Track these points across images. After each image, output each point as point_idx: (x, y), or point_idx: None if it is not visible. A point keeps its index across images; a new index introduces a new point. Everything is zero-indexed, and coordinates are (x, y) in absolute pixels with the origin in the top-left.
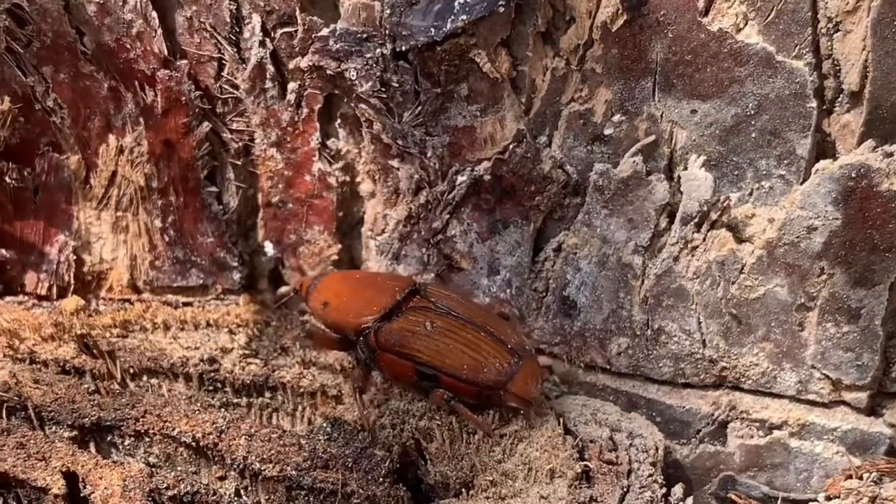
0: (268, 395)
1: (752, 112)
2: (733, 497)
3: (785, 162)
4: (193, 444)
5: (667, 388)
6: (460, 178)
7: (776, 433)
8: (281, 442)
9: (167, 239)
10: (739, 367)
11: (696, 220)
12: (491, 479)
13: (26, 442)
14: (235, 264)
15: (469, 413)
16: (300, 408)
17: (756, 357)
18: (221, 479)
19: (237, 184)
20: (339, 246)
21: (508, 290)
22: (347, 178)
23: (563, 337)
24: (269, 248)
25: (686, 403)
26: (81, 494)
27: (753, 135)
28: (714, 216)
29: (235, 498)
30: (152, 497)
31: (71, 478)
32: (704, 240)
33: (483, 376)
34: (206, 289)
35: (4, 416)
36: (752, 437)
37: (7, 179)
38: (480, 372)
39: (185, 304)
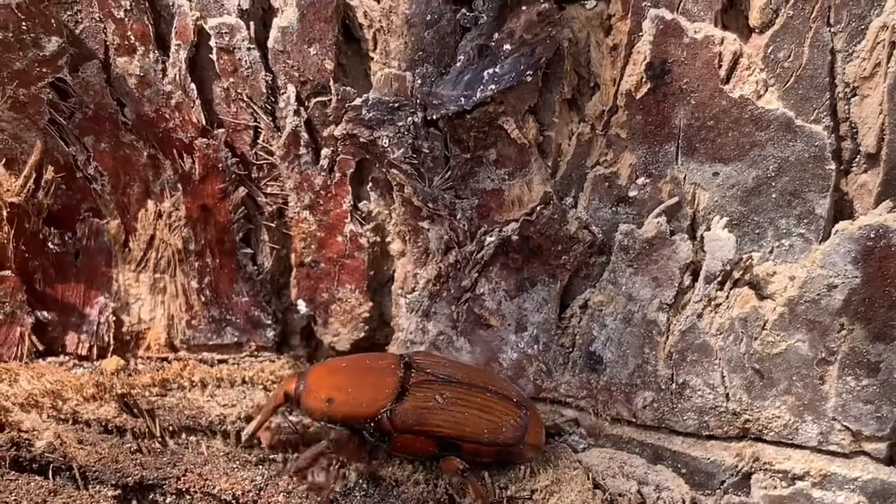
0: (302, 450)
1: (773, 174)
2: None
3: (804, 221)
4: (233, 501)
5: (691, 440)
6: (489, 239)
7: (799, 484)
8: (318, 499)
9: (203, 299)
10: (762, 420)
11: (720, 278)
12: None
13: (72, 502)
14: (269, 322)
15: (478, 486)
16: (334, 463)
17: (778, 410)
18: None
19: (271, 245)
20: (370, 304)
21: (536, 346)
22: (378, 239)
23: (589, 391)
24: (301, 306)
25: (710, 455)
26: None
27: (774, 195)
28: (737, 274)
29: None
30: None
31: None
32: (727, 297)
33: (504, 436)
34: (240, 346)
35: (51, 476)
36: (775, 487)
37: (49, 245)
38: (500, 433)
39: (221, 362)
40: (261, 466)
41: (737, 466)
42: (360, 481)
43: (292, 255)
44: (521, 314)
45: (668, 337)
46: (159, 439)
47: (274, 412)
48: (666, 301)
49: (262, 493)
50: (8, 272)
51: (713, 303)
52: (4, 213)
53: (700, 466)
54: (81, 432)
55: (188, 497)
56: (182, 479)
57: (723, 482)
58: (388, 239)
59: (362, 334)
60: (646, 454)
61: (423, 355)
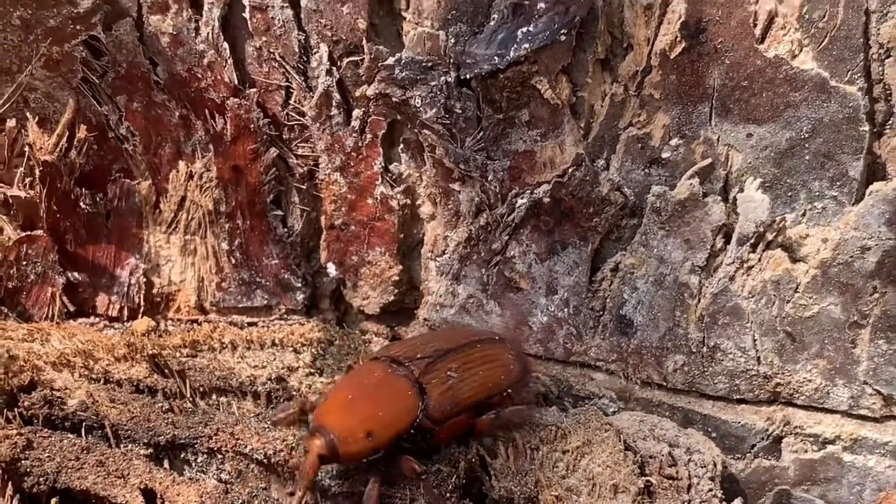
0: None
1: (807, 135)
2: None
3: (838, 183)
4: (265, 461)
5: (722, 403)
6: (520, 201)
7: (829, 448)
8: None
9: (233, 261)
10: (793, 384)
11: (752, 240)
12: (556, 494)
13: (105, 460)
14: (299, 285)
15: (513, 410)
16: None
17: (809, 373)
18: (291, 494)
19: (301, 207)
20: (400, 267)
21: (566, 309)
22: (409, 201)
23: (619, 354)
24: (331, 269)
25: (741, 419)
26: None
27: (807, 157)
28: (769, 237)
29: None
30: None
31: (149, 494)
32: (760, 260)
33: (516, 372)
34: (270, 309)
35: (83, 434)
36: (805, 451)
37: (81, 205)
38: (511, 371)
39: (250, 325)
40: (292, 427)
41: (767, 430)
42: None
43: (322, 218)
44: (552, 277)
45: (699, 300)
46: (190, 400)
47: (312, 484)
48: (698, 263)
49: (293, 452)
50: (40, 232)
51: (745, 265)
52: (37, 172)
53: (730, 430)
54: (113, 392)
55: (220, 456)
56: (214, 438)
57: (753, 446)
58: (419, 202)
59: (391, 298)
60: (676, 418)
61: (396, 347)
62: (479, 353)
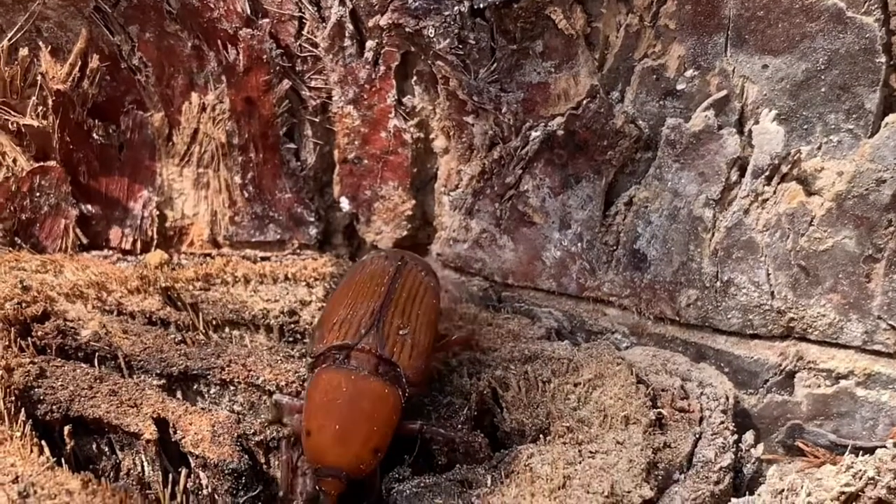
0: None
1: (823, 67)
2: (800, 445)
3: (853, 116)
4: (277, 391)
5: (735, 338)
6: (534, 134)
7: (843, 383)
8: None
9: (246, 195)
10: (807, 318)
11: (767, 173)
12: (567, 425)
13: (118, 389)
14: (312, 220)
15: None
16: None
17: (823, 308)
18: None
19: (314, 141)
20: (413, 202)
21: (579, 244)
22: (422, 135)
23: (632, 289)
24: (344, 203)
25: (754, 354)
26: (172, 440)
27: (823, 89)
28: (785, 169)
29: None
30: (240, 442)
31: (161, 424)
32: (775, 193)
33: (436, 286)
34: (283, 244)
35: (97, 364)
36: (819, 386)
37: (94, 136)
38: (434, 288)
39: (263, 259)
40: (304, 360)
41: (780, 365)
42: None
43: (335, 152)
44: (566, 211)
45: (713, 233)
46: (203, 332)
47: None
48: (712, 197)
49: (305, 383)
50: (53, 163)
51: (760, 198)
52: (50, 102)
53: (743, 365)
54: (126, 323)
55: (232, 388)
56: (226, 369)
57: (766, 381)
58: (432, 135)
59: (405, 233)
60: (689, 353)
61: (332, 330)
62: (404, 291)
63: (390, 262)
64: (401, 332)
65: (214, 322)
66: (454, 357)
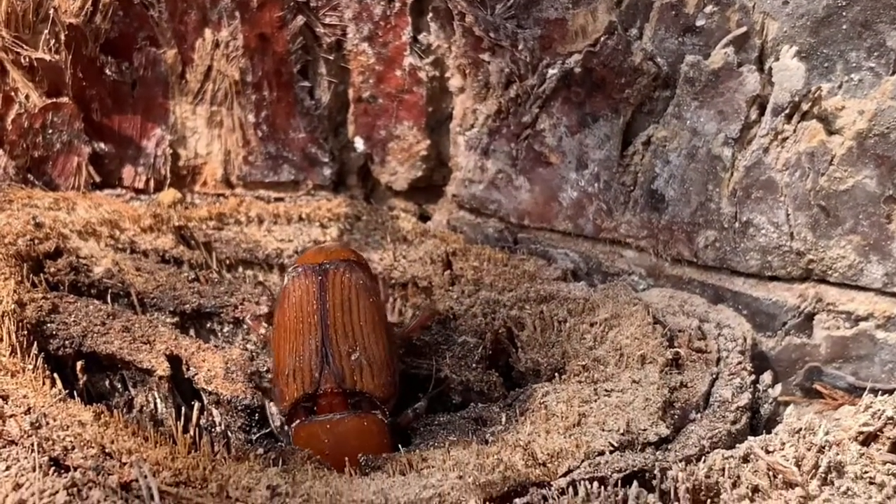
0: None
1: (844, 3)
2: (819, 388)
3: (875, 54)
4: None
5: (753, 280)
6: (551, 72)
7: (862, 325)
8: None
9: (260, 134)
10: (826, 260)
11: (787, 110)
12: (583, 364)
13: (131, 326)
14: (326, 160)
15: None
16: (391, 298)
17: (843, 249)
18: None
19: (329, 79)
20: (428, 142)
21: (596, 184)
22: (437, 74)
23: (650, 230)
24: (359, 143)
25: (773, 296)
26: (185, 376)
27: (844, 27)
28: (805, 107)
29: None
30: (252, 379)
31: (174, 361)
32: (795, 131)
33: (369, 281)
34: (297, 185)
35: (109, 301)
36: (838, 328)
37: (107, 72)
38: (368, 287)
39: (277, 200)
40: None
41: (799, 307)
42: (417, 314)
43: (350, 91)
44: (583, 151)
45: (732, 173)
46: (216, 271)
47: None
48: (731, 135)
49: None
50: (65, 99)
51: (780, 137)
52: (62, 36)
53: (761, 307)
54: (139, 261)
55: (245, 326)
56: (240, 307)
57: (784, 323)
58: (448, 74)
59: (420, 173)
60: (706, 295)
61: (292, 389)
62: (337, 308)
63: (310, 279)
64: (352, 358)
65: (228, 261)
66: (468, 297)
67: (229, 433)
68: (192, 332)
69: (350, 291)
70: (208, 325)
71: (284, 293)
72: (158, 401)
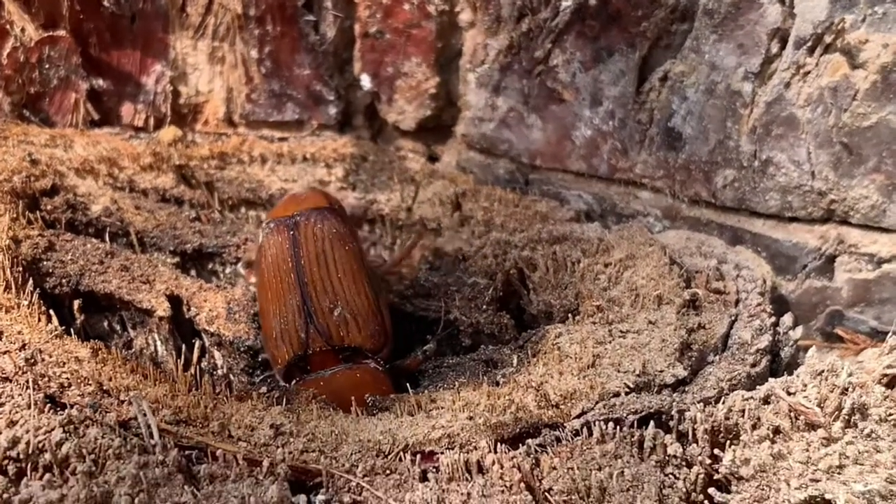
0: (366, 228)
1: None
2: (840, 332)
3: None
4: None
5: (773, 222)
6: (564, 4)
7: (885, 267)
8: (382, 270)
9: (263, 71)
10: (849, 200)
11: (810, 43)
12: (597, 304)
13: (130, 265)
14: (332, 98)
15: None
16: (399, 241)
17: (866, 189)
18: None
19: (334, 13)
20: (437, 79)
21: (611, 122)
22: (447, 7)
23: (666, 170)
24: (365, 81)
25: (793, 238)
26: (186, 316)
27: None
28: (828, 39)
29: None
30: (255, 320)
31: (175, 301)
32: (817, 65)
33: (345, 228)
34: (301, 124)
35: (107, 240)
36: (860, 271)
37: (105, 4)
38: (345, 235)
39: (281, 140)
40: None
41: (820, 249)
42: (426, 255)
43: (356, 25)
44: (597, 87)
45: (752, 109)
46: (218, 210)
47: None
48: (752, 70)
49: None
50: (62, 32)
51: (802, 70)
52: None
53: (781, 249)
54: (138, 200)
55: (240, 274)
56: (242, 247)
57: (805, 266)
58: (458, 8)
59: (428, 112)
60: (725, 237)
61: (282, 352)
62: (312, 263)
63: (282, 234)
64: (335, 314)
65: (230, 202)
66: (478, 238)
67: (231, 376)
68: (192, 272)
69: (323, 243)
70: (210, 266)
71: (261, 252)
72: (158, 342)
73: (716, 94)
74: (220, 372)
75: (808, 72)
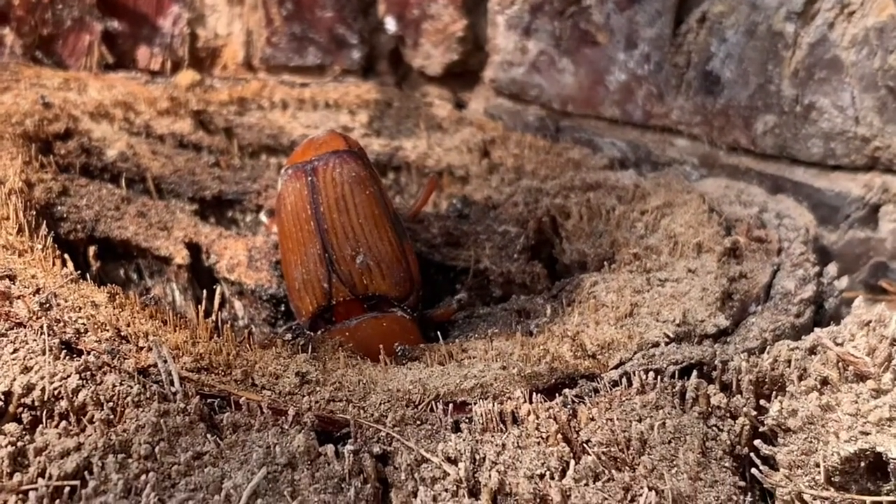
0: (391, 175)
1: None
2: (884, 285)
3: None
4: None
5: (815, 170)
6: None
7: None
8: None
9: (284, 13)
10: (894, 147)
11: None
12: (634, 252)
13: (147, 211)
14: (355, 42)
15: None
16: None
17: None
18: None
19: None
20: (465, 21)
21: (647, 66)
22: None
23: (704, 116)
24: (390, 24)
25: (836, 186)
26: (206, 264)
27: None
28: None
29: None
30: (277, 269)
31: (194, 249)
32: (862, 4)
33: (365, 170)
34: (323, 69)
35: (123, 185)
36: None
37: None
38: (365, 178)
39: (303, 86)
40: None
41: (864, 198)
42: (455, 202)
43: None
44: (632, 29)
45: (794, 51)
46: (238, 156)
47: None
48: (794, 9)
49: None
50: None
51: (846, 10)
52: None
53: (823, 199)
54: (155, 145)
55: (261, 223)
56: (263, 194)
57: (848, 216)
58: None
59: (455, 57)
60: (765, 185)
61: (306, 304)
62: (332, 210)
63: (301, 180)
64: (358, 262)
65: (250, 148)
66: (508, 185)
67: (253, 326)
68: (212, 220)
69: (342, 188)
70: (229, 214)
71: (280, 200)
72: (177, 291)
73: (756, 35)
74: (241, 322)
75: (853, 11)
